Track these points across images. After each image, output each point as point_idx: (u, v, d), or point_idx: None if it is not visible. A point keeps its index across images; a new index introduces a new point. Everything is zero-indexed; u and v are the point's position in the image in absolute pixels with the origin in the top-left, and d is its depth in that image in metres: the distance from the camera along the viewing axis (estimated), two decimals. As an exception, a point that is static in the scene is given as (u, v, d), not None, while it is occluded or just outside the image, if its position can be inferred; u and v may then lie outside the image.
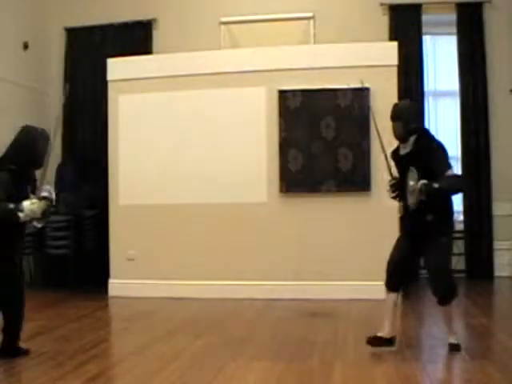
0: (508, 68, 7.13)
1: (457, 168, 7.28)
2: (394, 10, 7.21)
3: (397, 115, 3.96)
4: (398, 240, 4.04)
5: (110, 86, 6.48)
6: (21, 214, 3.59)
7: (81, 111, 7.70)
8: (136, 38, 7.61)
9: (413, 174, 3.72)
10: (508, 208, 7.05)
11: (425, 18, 7.19)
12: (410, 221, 3.94)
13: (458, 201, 7.21)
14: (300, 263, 5.98)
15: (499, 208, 7.07)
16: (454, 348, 3.86)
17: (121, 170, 6.40)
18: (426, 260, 3.91)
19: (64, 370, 3.64)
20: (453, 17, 7.14)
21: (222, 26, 7.12)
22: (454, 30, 7.16)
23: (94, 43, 7.69)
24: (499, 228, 7.08)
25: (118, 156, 6.40)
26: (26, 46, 7.37)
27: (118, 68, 6.47)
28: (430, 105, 7.46)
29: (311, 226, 6.03)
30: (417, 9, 7.19)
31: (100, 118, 7.21)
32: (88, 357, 3.92)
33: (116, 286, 6.32)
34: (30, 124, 4.06)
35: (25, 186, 3.78)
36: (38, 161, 3.88)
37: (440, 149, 3.83)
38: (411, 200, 3.73)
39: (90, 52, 7.68)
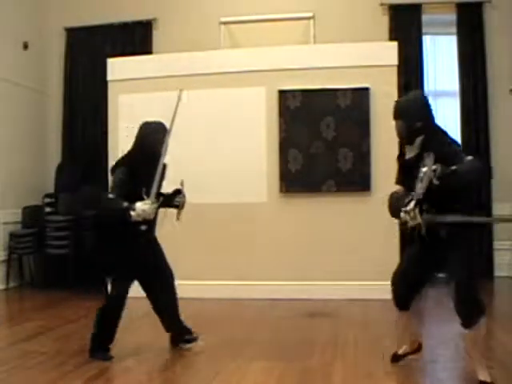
0: (508, 68, 7.13)
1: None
2: (394, 10, 7.20)
3: (398, 113, 3.40)
4: (408, 252, 3.56)
5: (109, 85, 6.48)
6: (133, 213, 3.65)
7: (81, 111, 7.70)
8: (136, 38, 7.60)
9: (429, 159, 3.08)
10: (508, 208, 7.05)
11: (425, 18, 7.18)
12: (421, 237, 3.29)
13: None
14: (300, 263, 5.98)
15: (499, 208, 7.06)
16: None
17: (121, 170, 6.38)
18: (449, 277, 3.31)
19: (64, 370, 3.64)
20: (453, 17, 7.13)
21: (222, 26, 7.13)
22: (454, 30, 7.15)
23: (94, 43, 7.68)
24: (499, 228, 7.07)
25: (118, 156, 6.37)
26: (25, 46, 7.37)
27: (118, 68, 6.47)
28: (430, 105, 7.45)
29: (311, 226, 6.04)
30: (417, 9, 7.18)
31: (100, 118, 7.22)
32: (88, 357, 3.92)
33: (116, 285, 6.31)
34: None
35: (140, 186, 3.81)
36: (152, 155, 3.85)
37: (453, 144, 3.28)
38: (420, 187, 3.09)
39: (90, 52, 7.67)
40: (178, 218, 4.05)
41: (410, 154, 3.40)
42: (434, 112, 3.44)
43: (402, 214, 3.20)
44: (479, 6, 7.10)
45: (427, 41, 7.45)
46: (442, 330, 4.11)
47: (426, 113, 3.36)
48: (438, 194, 3.09)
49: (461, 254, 3.22)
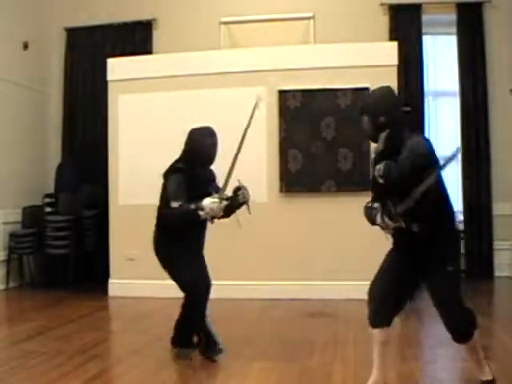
0: (508, 68, 7.13)
1: (457, 168, 7.27)
2: (394, 10, 7.21)
3: (362, 108, 3.14)
4: (385, 260, 3.23)
5: (109, 86, 6.49)
6: (201, 213, 3.74)
7: (81, 111, 7.71)
8: (136, 37, 7.61)
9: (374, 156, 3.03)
10: (508, 208, 7.05)
11: (425, 18, 7.19)
12: (397, 235, 3.08)
13: (457, 200, 7.22)
14: (300, 263, 5.98)
15: (499, 208, 7.06)
16: None
17: (121, 170, 6.40)
18: (432, 295, 3.08)
19: (64, 370, 3.65)
20: (453, 17, 7.14)
21: (222, 26, 7.13)
22: (454, 30, 7.16)
23: (94, 43, 7.69)
24: (499, 228, 7.07)
25: (118, 156, 6.40)
26: (25, 46, 7.37)
27: (118, 68, 6.47)
28: (430, 105, 7.46)
29: (311, 226, 6.04)
30: (417, 9, 7.19)
31: (100, 117, 7.22)
32: (88, 357, 3.93)
33: (116, 285, 6.32)
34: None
35: (203, 186, 3.94)
36: (205, 158, 4.09)
37: (417, 138, 2.95)
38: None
39: (90, 52, 7.68)
40: (249, 212, 4.15)
41: (375, 151, 3.09)
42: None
43: (382, 230, 3.08)
44: (479, 5, 7.10)
45: (427, 41, 7.46)
46: (442, 330, 4.10)
47: (391, 107, 3.03)
48: (394, 188, 2.87)
49: (442, 272, 2.98)
